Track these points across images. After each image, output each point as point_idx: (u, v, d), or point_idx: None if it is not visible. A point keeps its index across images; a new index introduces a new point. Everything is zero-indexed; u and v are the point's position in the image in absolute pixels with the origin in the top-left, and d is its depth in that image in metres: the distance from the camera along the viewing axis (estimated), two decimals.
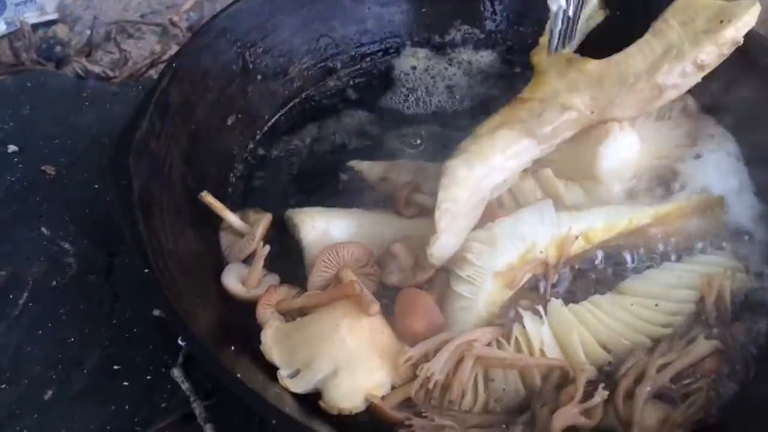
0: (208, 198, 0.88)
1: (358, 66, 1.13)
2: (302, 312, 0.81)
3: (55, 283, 0.93)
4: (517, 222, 0.83)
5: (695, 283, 0.81)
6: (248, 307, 0.83)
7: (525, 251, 0.82)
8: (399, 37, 1.14)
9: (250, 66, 1.02)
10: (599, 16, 1.02)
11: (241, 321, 0.82)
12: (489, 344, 0.75)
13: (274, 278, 0.86)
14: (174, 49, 1.36)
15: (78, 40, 1.41)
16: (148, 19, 1.45)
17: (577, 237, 0.84)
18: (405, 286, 0.82)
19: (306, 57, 1.09)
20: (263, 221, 0.89)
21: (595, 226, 0.86)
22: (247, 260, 0.88)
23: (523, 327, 0.76)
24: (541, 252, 0.82)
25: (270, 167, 1.00)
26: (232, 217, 0.89)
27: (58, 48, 1.37)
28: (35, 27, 1.41)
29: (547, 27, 0.80)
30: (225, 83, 0.99)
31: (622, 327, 0.78)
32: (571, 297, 0.82)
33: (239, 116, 1.01)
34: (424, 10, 1.13)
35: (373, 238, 0.87)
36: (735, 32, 0.85)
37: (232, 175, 0.99)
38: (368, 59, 1.14)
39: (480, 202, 0.86)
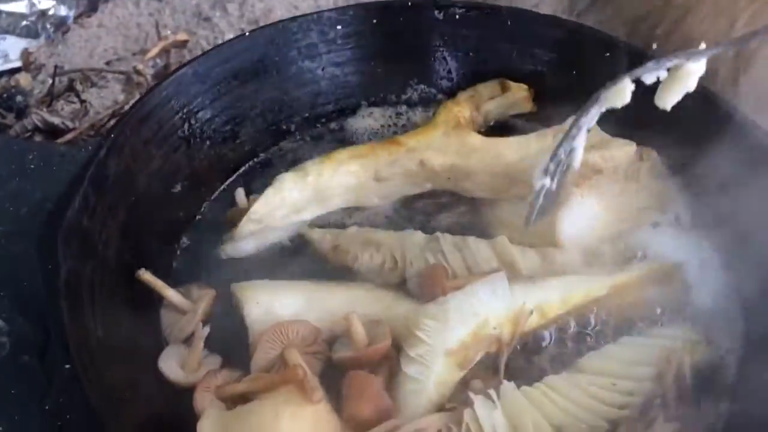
0: (146, 276, 0.84)
1: (313, 127, 1.10)
2: (244, 398, 0.77)
3: None
4: (470, 297, 0.80)
5: (654, 358, 0.78)
6: (187, 393, 0.78)
7: (478, 328, 0.79)
8: (354, 97, 1.12)
9: (197, 131, 0.99)
10: (525, 108, 1.10)
11: (178, 409, 0.78)
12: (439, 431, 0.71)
13: (215, 360, 0.82)
14: (137, 97, 1.33)
15: (40, 89, 1.37)
16: (112, 67, 1.43)
17: (531, 312, 0.81)
18: (354, 364, 0.78)
19: (257, 120, 1.06)
20: (206, 298, 0.85)
21: (551, 299, 0.83)
22: (189, 341, 0.83)
23: (474, 412, 0.72)
24: (495, 328, 0.79)
25: (220, 237, 0.95)
26: (173, 295, 0.85)
27: (19, 98, 1.32)
28: None
29: (528, 199, 0.80)
30: (170, 150, 0.96)
31: (578, 410, 0.75)
32: (525, 376, 0.79)
33: (185, 184, 0.97)
34: (379, 70, 1.11)
35: (322, 312, 0.84)
36: (600, 160, 0.93)
37: (176, 247, 0.94)
38: (323, 120, 1.11)
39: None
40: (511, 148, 0.99)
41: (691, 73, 0.75)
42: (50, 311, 0.71)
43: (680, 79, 0.74)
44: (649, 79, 0.74)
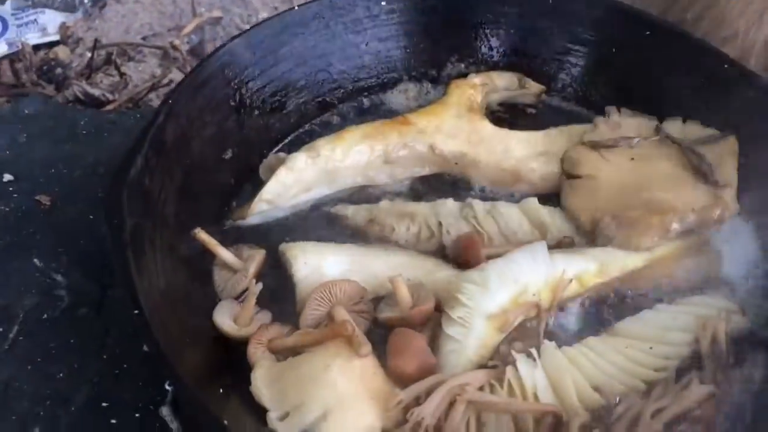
0: (201, 235, 0.88)
1: (355, 100, 1.13)
2: (294, 351, 0.81)
3: (46, 316, 0.92)
4: (510, 263, 0.83)
5: (690, 325, 0.81)
6: (239, 345, 0.82)
7: (517, 294, 0.81)
8: (396, 72, 1.15)
9: (247, 101, 1.02)
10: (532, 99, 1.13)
11: (232, 360, 0.82)
12: (481, 388, 0.75)
13: (266, 316, 0.86)
14: (174, 72, 1.36)
15: (78, 62, 1.41)
16: (149, 42, 1.46)
17: (570, 280, 0.83)
18: (399, 324, 0.81)
19: (303, 92, 1.09)
20: (257, 257, 0.89)
21: (589, 269, 0.86)
22: (240, 297, 0.87)
23: (516, 370, 0.75)
24: (534, 295, 0.82)
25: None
26: (225, 254, 0.89)
27: (58, 70, 1.36)
28: (36, 48, 1.41)
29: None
30: (222, 118, 0.99)
31: (616, 370, 0.77)
32: (564, 338, 0.82)
33: (235, 151, 1.01)
34: (421, 45, 1.14)
35: (366, 274, 0.87)
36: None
37: (227, 209, 0.98)
38: (365, 93, 1.14)
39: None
40: (520, 144, 1.02)
41: None
42: (115, 262, 0.75)
43: None
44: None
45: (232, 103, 1.01)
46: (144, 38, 1.47)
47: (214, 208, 0.97)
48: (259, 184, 0.99)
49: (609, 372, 0.77)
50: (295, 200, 0.98)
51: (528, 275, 0.82)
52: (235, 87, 1.01)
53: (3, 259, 0.98)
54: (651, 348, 0.78)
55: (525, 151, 1.02)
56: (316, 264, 0.87)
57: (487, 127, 1.04)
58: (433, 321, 0.83)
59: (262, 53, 1.04)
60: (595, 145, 0.98)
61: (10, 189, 1.08)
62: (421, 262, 0.91)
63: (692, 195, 0.90)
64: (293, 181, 0.96)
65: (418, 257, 0.91)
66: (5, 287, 0.95)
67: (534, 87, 1.12)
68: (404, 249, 0.93)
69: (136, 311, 0.71)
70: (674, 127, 1.00)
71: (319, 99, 1.12)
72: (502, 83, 1.12)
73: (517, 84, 1.12)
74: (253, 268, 0.88)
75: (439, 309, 0.83)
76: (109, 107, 1.28)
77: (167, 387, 0.67)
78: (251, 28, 1.04)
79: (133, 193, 0.81)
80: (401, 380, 0.77)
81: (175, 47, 1.42)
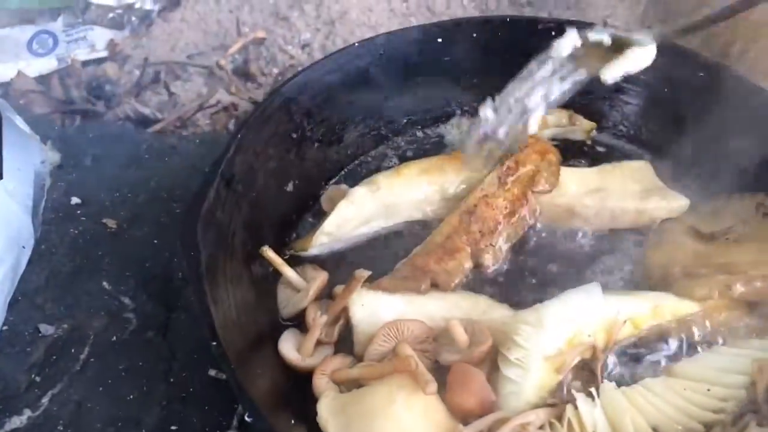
0: (268, 253, 0.91)
1: (409, 134, 1.17)
2: (357, 383, 0.83)
3: (115, 338, 0.96)
4: (565, 305, 0.85)
5: (747, 368, 0.82)
6: (301, 374, 0.85)
7: (573, 335, 0.83)
8: (449, 107, 1.18)
9: (308, 134, 1.06)
10: (582, 135, 1.14)
11: (295, 388, 0.85)
12: (542, 426, 0.77)
13: (328, 346, 0.89)
14: (220, 93, 1.39)
15: (127, 79, 1.45)
16: (194, 61, 1.50)
17: (625, 322, 0.85)
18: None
19: (360, 125, 1.13)
20: (319, 278, 0.91)
21: (643, 311, 0.87)
22: (301, 318, 0.90)
23: (576, 409, 0.77)
24: (590, 335, 0.84)
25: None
26: (289, 272, 0.92)
27: (108, 87, 1.40)
28: (85, 64, 1.44)
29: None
30: (284, 151, 1.03)
31: (674, 411, 0.79)
32: (619, 380, 0.84)
33: (296, 183, 1.05)
34: (474, 81, 1.17)
35: (421, 315, 0.89)
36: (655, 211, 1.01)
37: (288, 240, 1.02)
38: (419, 127, 1.17)
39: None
40: (572, 180, 1.04)
41: (633, 54, 0.80)
42: (194, 294, 0.78)
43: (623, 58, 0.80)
44: (593, 37, 0.82)
45: (294, 136, 1.05)
46: (189, 56, 1.51)
47: (276, 239, 1.00)
48: (318, 215, 1.03)
49: (667, 413, 0.78)
50: (354, 232, 1.01)
51: (583, 316, 0.84)
52: (298, 121, 1.05)
53: (74, 281, 1.02)
54: (708, 390, 0.80)
55: (578, 188, 1.04)
56: (372, 307, 0.89)
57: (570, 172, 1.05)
58: (489, 358, 0.85)
59: (323, 88, 1.07)
60: (698, 236, 0.98)
61: (78, 212, 1.12)
62: (475, 302, 0.93)
63: None
64: (353, 214, 1.00)
65: (471, 297, 0.94)
66: (75, 309, 0.99)
67: (584, 124, 1.15)
68: (457, 290, 0.95)
69: (213, 342, 0.74)
70: None
71: (375, 132, 1.15)
72: (553, 119, 1.14)
73: (567, 120, 1.15)
74: (314, 288, 0.90)
75: (494, 347, 0.84)
76: (158, 126, 1.32)
77: (246, 417, 0.70)
78: (314, 64, 1.08)
79: (207, 225, 0.85)
80: (461, 416, 0.79)
81: (220, 67, 1.46)
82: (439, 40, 1.14)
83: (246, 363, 0.79)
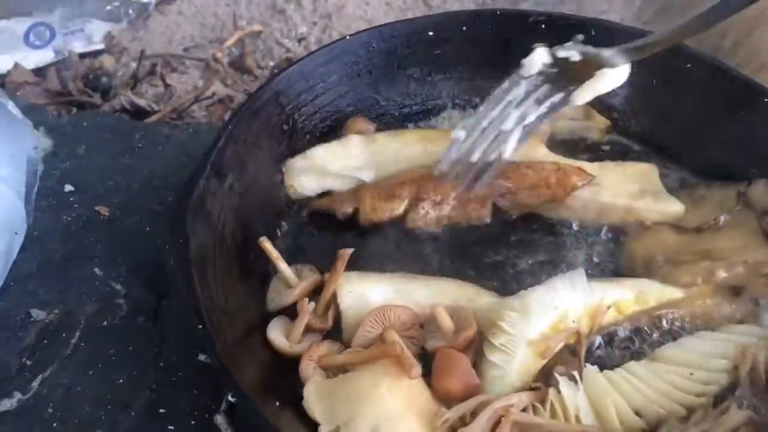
0: (265, 244, 0.92)
1: (401, 126, 1.18)
2: (343, 368, 0.84)
3: (105, 323, 0.97)
4: (550, 291, 0.86)
5: (730, 352, 0.83)
6: (291, 361, 0.86)
7: (557, 320, 0.85)
8: (441, 99, 1.19)
9: (300, 126, 1.07)
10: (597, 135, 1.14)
11: (283, 374, 0.86)
12: (525, 409, 0.78)
13: (316, 333, 0.90)
14: (216, 85, 1.41)
15: (123, 71, 1.46)
16: (191, 54, 1.51)
17: (609, 307, 0.86)
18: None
19: (352, 117, 1.14)
20: (311, 278, 0.92)
21: (627, 297, 0.89)
22: (289, 312, 0.91)
23: (559, 392, 0.78)
24: (574, 321, 0.85)
25: (315, 225, 1.04)
26: (283, 266, 0.92)
27: (104, 79, 1.41)
28: (81, 57, 1.45)
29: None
30: (275, 143, 1.04)
31: (656, 395, 0.80)
32: (603, 363, 0.85)
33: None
34: (466, 75, 1.18)
35: (409, 301, 0.90)
36: (646, 212, 1.00)
37: (278, 230, 1.03)
38: (410, 119, 1.18)
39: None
40: (606, 188, 1.02)
41: (604, 76, 0.79)
42: (180, 279, 0.79)
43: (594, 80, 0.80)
44: (561, 54, 0.81)
45: (285, 128, 1.06)
46: (185, 49, 1.52)
47: (267, 230, 1.00)
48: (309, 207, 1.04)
49: (649, 396, 0.79)
50: (345, 171, 1.03)
51: (567, 302, 0.85)
52: (289, 113, 1.06)
53: (66, 266, 1.03)
54: (691, 374, 0.81)
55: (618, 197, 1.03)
56: (360, 292, 0.90)
57: (542, 150, 1.06)
58: (474, 343, 0.86)
59: (314, 81, 1.09)
60: (679, 231, 0.98)
61: (71, 199, 1.13)
62: (462, 289, 0.94)
63: (752, 252, 0.92)
64: (341, 152, 1.03)
65: (458, 284, 0.94)
66: (68, 294, 1.00)
67: (599, 120, 1.14)
68: (445, 277, 0.96)
69: (199, 326, 0.75)
70: (757, 189, 1.00)
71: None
72: (569, 111, 1.13)
73: (582, 114, 1.14)
74: (303, 287, 0.91)
75: (479, 333, 0.86)
76: (154, 118, 1.33)
77: (230, 398, 0.71)
78: (304, 57, 1.09)
79: (196, 213, 0.86)
80: (446, 400, 0.80)
81: (216, 59, 1.46)
82: (431, 33, 1.16)
83: (233, 348, 0.80)
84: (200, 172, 0.89)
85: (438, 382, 0.81)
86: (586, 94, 0.82)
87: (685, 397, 0.79)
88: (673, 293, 0.90)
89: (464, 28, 1.16)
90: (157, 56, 1.48)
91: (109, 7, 1.54)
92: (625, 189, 1.03)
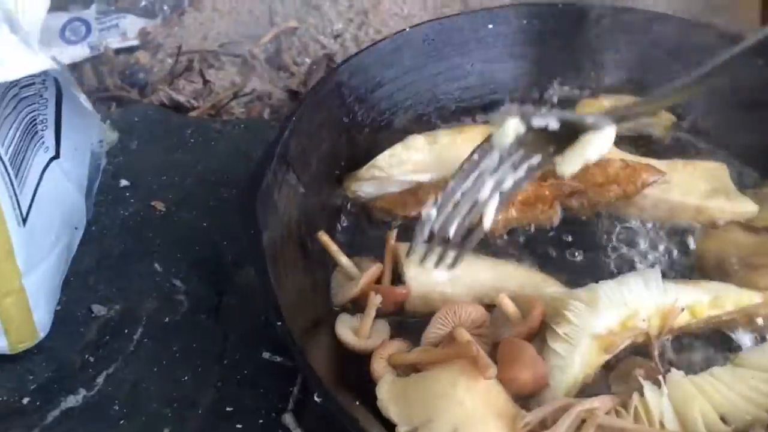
0: (323, 237, 0.90)
1: (459, 120, 1.16)
2: (414, 368, 0.83)
3: (167, 320, 0.96)
4: (622, 286, 0.84)
5: None
6: (358, 357, 0.85)
7: (627, 317, 0.82)
8: (499, 93, 1.17)
9: (359, 119, 1.06)
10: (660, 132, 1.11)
11: (353, 371, 0.84)
12: (608, 413, 0.76)
13: (384, 326, 0.88)
14: (254, 81, 1.39)
15: (159, 67, 1.45)
16: (227, 50, 1.49)
17: (682, 309, 0.84)
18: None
19: (410, 111, 1.12)
20: (373, 269, 0.90)
21: (702, 300, 0.86)
22: (354, 305, 0.90)
23: (642, 396, 0.76)
24: (644, 320, 0.82)
25: (374, 222, 1.03)
26: (344, 259, 0.91)
27: (141, 75, 1.40)
28: (116, 52, 1.45)
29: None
30: (336, 135, 1.03)
31: (742, 400, 0.77)
32: (687, 368, 0.82)
33: (345, 166, 1.04)
34: (525, 68, 1.16)
35: (474, 280, 0.90)
36: (718, 212, 0.98)
37: (338, 224, 1.01)
38: (468, 114, 1.16)
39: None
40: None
41: (591, 141, 0.73)
42: (257, 276, 0.78)
43: (579, 147, 0.74)
44: (537, 123, 0.74)
45: (345, 121, 1.05)
46: (221, 46, 1.51)
47: (328, 223, 0.99)
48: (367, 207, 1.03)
49: (735, 402, 0.77)
50: (404, 177, 1.01)
51: (639, 300, 0.83)
52: (349, 105, 1.04)
53: (126, 262, 1.02)
54: None
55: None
56: (424, 266, 0.86)
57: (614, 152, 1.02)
58: (539, 335, 0.84)
59: (373, 73, 1.07)
60: (751, 231, 0.96)
61: (127, 194, 1.12)
62: (529, 275, 0.92)
63: None
64: (406, 157, 1.01)
65: (525, 270, 0.93)
66: (127, 290, 0.99)
67: (665, 117, 1.11)
68: (511, 261, 0.95)
69: (278, 322, 0.74)
70: None
71: (424, 118, 1.14)
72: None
73: None
74: (366, 278, 0.89)
75: (545, 323, 0.84)
76: (193, 114, 1.32)
77: (316, 398, 0.70)
78: (365, 48, 1.08)
79: (265, 205, 0.84)
80: (515, 389, 0.78)
81: (253, 56, 1.45)
82: (490, 26, 1.14)
83: (305, 346, 0.78)
84: (268, 164, 0.88)
85: (505, 372, 0.78)
86: (574, 164, 0.76)
87: None
88: (752, 298, 0.87)
89: (524, 21, 1.14)
90: (194, 52, 1.47)
91: (143, 3, 1.54)
92: (695, 187, 1.00)
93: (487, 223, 0.80)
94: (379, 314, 0.87)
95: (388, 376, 0.82)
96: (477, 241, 0.82)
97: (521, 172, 0.79)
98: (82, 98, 0.91)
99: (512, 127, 0.76)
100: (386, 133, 1.10)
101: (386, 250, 0.91)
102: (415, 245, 0.82)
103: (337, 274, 0.94)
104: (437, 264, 0.82)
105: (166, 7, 1.56)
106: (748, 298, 0.88)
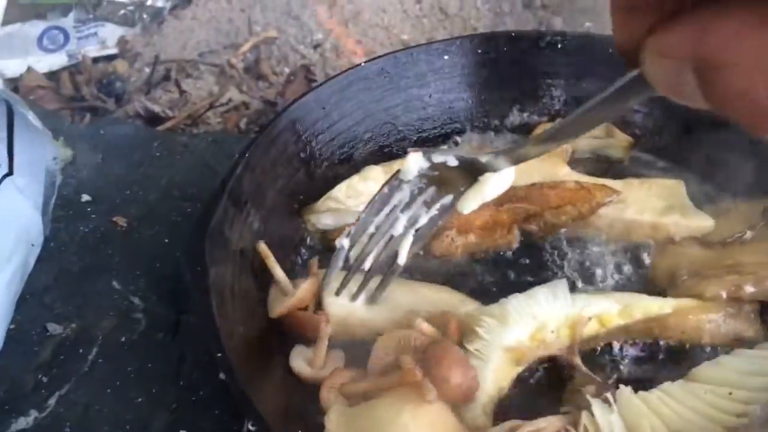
0: (262, 247, 0.91)
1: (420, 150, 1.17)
2: (364, 396, 0.82)
3: (123, 339, 0.96)
4: (530, 299, 0.86)
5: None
6: (308, 386, 0.86)
7: (536, 329, 0.84)
8: (459, 123, 1.19)
9: (317, 153, 1.07)
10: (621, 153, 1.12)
11: (302, 401, 0.84)
12: None
13: (339, 354, 0.88)
14: (232, 91, 1.40)
15: (137, 76, 1.45)
16: (206, 59, 1.50)
17: (589, 319, 0.85)
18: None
19: (369, 143, 1.14)
20: (306, 285, 0.90)
21: (611, 310, 0.87)
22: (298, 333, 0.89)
23: (592, 415, 0.75)
24: (553, 331, 0.84)
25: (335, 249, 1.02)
26: (278, 271, 0.91)
27: (118, 84, 1.40)
28: (95, 61, 1.45)
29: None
30: (293, 170, 1.04)
31: (695, 416, 0.78)
32: (636, 384, 0.81)
33: (304, 201, 1.05)
34: (483, 97, 1.18)
35: (392, 305, 0.91)
36: (673, 227, 0.98)
37: (297, 258, 1.02)
38: (429, 144, 1.18)
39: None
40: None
41: (488, 181, 0.75)
42: (200, 308, 0.78)
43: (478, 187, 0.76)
44: (437, 159, 0.77)
45: (302, 156, 1.06)
46: (200, 55, 1.52)
47: (286, 257, 1.00)
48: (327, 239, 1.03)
49: (688, 418, 0.77)
50: (361, 207, 0.99)
51: (547, 312, 0.85)
52: (306, 140, 1.06)
53: (83, 279, 1.01)
54: (730, 393, 0.77)
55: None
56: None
57: (564, 169, 1.05)
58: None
59: (330, 108, 1.09)
60: (705, 245, 0.96)
61: (88, 209, 1.11)
62: (447, 296, 0.93)
63: None
64: (364, 188, 1.01)
65: (444, 291, 0.94)
66: (84, 308, 0.98)
67: (622, 138, 1.13)
68: (430, 283, 0.96)
69: (218, 354, 0.74)
70: None
71: (386, 150, 1.16)
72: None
73: (604, 132, 1.13)
74: (298, 293, 0.89)
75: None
76: (168, 124, 1.32)
77: (250, 428, 0.69)
78: (320, 84, 1.10)
79: (214, 243, 0.85)
80: (449, 393, 0.77)
81: (231, 65, 1.46)
82: (446, 57, 1.16)
83: (252, 374, 0.78)
84: (217, 201, 0.89)
85: (435, 375, 0.77)
86: (471, 202, 0.79)
87: (725, 417, 0.76)
88: (662, 308, 0.87)
89: (479, 50, 1.16)
90: (172, 61, 1.46)
91: (123, 12, 1.53)
92: (651, 205, 1.00)
93: (402, 259, 0.83)
94: (331, 344, 0.87)
95: (337, 406, 0.82)
96: (395, 276, 0.86)
97: (434, 210, 0.82)
98: (31, 116, 0.91)
99: (414, 162, 0.79)
100: (347, 166, 1.12)
101: (308, 277, 0.92)
102: (330, 274, 0.84)
103: (274, 288, 0.94)
104: (355, 296, 0.86)
105: (145, 16, 1.56)
106: (658, 307, 0.88)
